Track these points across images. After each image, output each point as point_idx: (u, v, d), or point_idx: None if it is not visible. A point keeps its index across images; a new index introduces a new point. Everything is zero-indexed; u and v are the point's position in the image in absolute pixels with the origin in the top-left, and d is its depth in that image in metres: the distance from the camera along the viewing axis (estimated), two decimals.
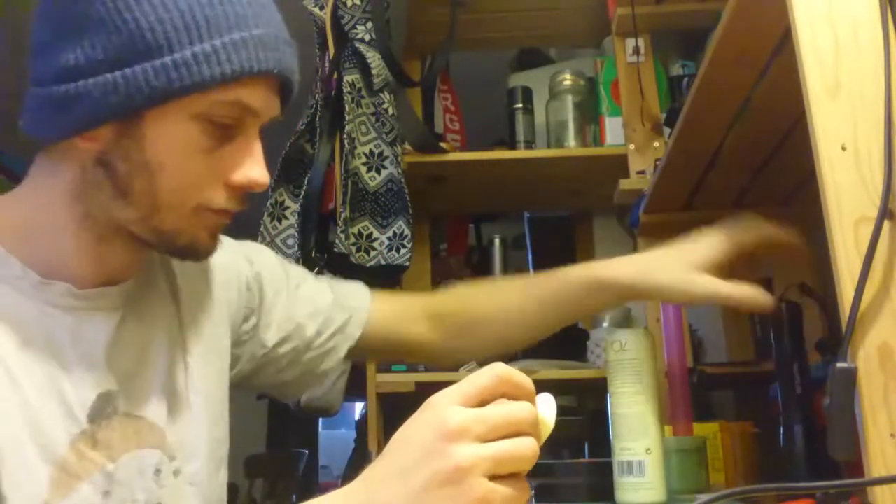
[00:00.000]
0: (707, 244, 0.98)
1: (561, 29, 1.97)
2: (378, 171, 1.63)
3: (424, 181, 1.81)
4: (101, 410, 0.74)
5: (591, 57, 1.98)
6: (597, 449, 1.92)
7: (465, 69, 2.10)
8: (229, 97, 0.69)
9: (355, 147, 1.60)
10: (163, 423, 0.79)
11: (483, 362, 1.48)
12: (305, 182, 1.58)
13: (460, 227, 2.19)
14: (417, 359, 1.12)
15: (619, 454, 0.90)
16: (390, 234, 1.63)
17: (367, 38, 1.65)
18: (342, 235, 1.54)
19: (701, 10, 1.64)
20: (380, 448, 1.61)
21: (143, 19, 0.66)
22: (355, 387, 1.65)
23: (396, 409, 1.83)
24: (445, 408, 0.57)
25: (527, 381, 0.59)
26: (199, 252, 0.76)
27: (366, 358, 1.05)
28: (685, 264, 0.96)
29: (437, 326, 1.02)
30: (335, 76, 1.63)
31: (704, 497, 0.62)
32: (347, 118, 1.59)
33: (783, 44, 0.94)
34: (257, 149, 0.74)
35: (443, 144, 1.77)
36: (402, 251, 1.62)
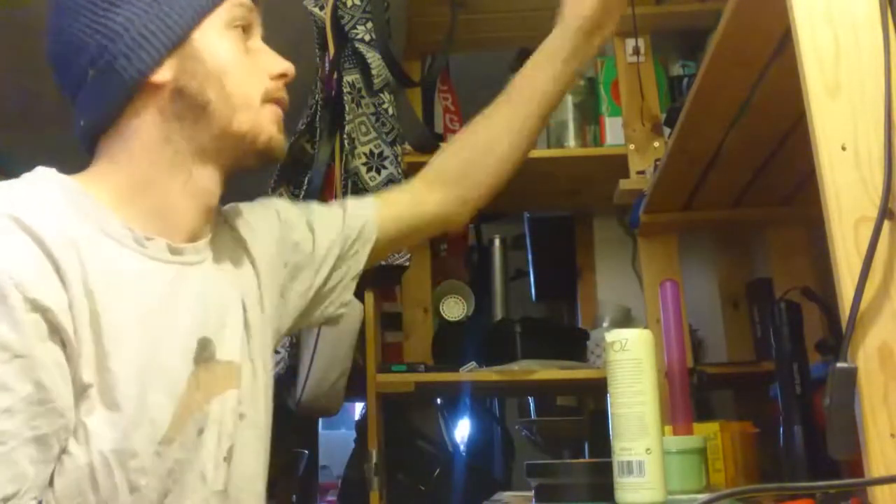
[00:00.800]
0: None
1: None
2: (378, 172, 1.63)
3: None
4: (201, 354, 0.82)
5: None
6: (597, 449, 1.92)
7: (465, 69, 2.10)
8: (240, 1, 0.85)
9: (355, 147, 1.60)
10: (239, 370, 0.87)
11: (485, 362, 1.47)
12: (305, 182, 1.58)
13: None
14: (437, 229, 1.19)
15: (619, 454, 0.90)
16: None
17: (367, 38, 1.65)
18: None
19: (701, 10, 1.65)
20: (379, 448, 1.62)
21: None
22: (355, 387, 1.65)
23: (396, 409, 1.83)
24: None
25: None
26: (275, 146, 0.87)
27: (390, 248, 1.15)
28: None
29: (440, 189, 1.11)
30: (335, 76, 1.63)
31: (704, 497, 0.62)
32: (347, 118, 1.59)
33: (783, 44, 0.94)
34: (270, 49, 0.89)
35: (443, 144, 1.77)
36: (402, 251, 1.62)
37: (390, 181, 1.63)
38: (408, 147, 1.73)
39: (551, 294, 2.20)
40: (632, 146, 1.70)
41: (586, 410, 2.08)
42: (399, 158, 1.66)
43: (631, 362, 0.93)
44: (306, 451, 2.49)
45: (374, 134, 1.63)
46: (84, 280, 0.74)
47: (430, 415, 2.04)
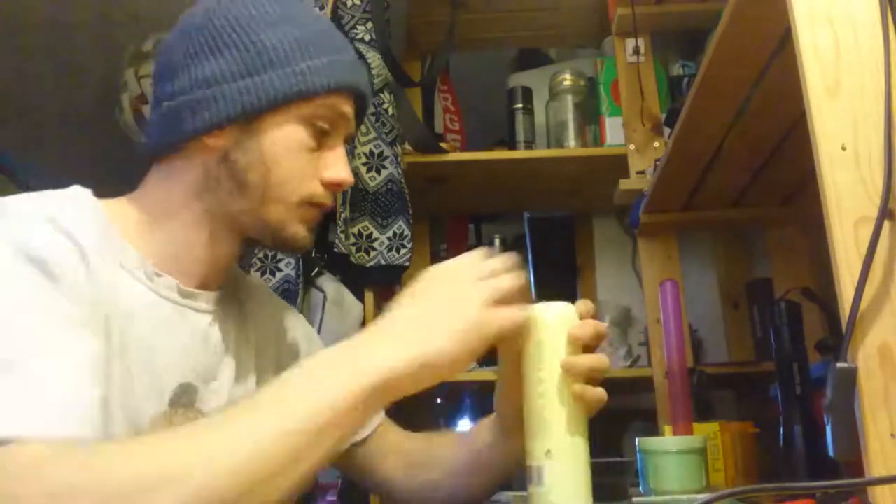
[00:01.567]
0: None
1: (561, 29, 1.97)
2: (378, 171, 1.63)
3: (424, 181, 1.81)
4: (180, 399, 0.82)
5: (591, 57, 1.98)
6: (597, 449, 1.92)
7: (465, 69, 2.10)
8: (329, 104, 0.85)
9: (355, 147, 1.60)
10: None
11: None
12: None
13: (460, 227, 2.19)
14: (377, 491, 1.09)
15: (524, 458, 0.75)
16: (390, 234, 1.63)
17: (367, 38, 1.65)
18: (342, 235, 1.55)
19: (701, 10, 1.64)
20: None
21: (267, 40, 0.82)
22: None
23: (396, 409, 1.83)
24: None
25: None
26: (298, 243, 0.87)
27: (341, 468, 1.07)
28: None
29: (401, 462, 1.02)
30: None
31: (704, 497, 0.62)
32: None
33: (783, 44, 0.94)
34: (343, 153, 0.88)
35: (443, 144, 1.77)
36: (402, 251, 1.62)
37: (390, 181, 1.63)
38: (408, 147, 1.73)
39: (551, 294, 2.19)
40: (632, 146, 1.70)
41: None
42: (399, 158, 1.66)
43: (533, 345, 0.76)
44: None
45: (373, 134, 1.63)
46: (95, 298, 0.74)
47: (429, 415, 2.04)
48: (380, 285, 1.66)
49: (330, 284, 1.56)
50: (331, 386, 0.65)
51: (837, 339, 0.65)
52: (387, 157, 1.63)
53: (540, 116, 1.91)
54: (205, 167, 0.84)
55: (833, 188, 0.66)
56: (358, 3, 1.66)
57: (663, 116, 1.68)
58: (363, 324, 1.59)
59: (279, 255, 1.52)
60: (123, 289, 0.79)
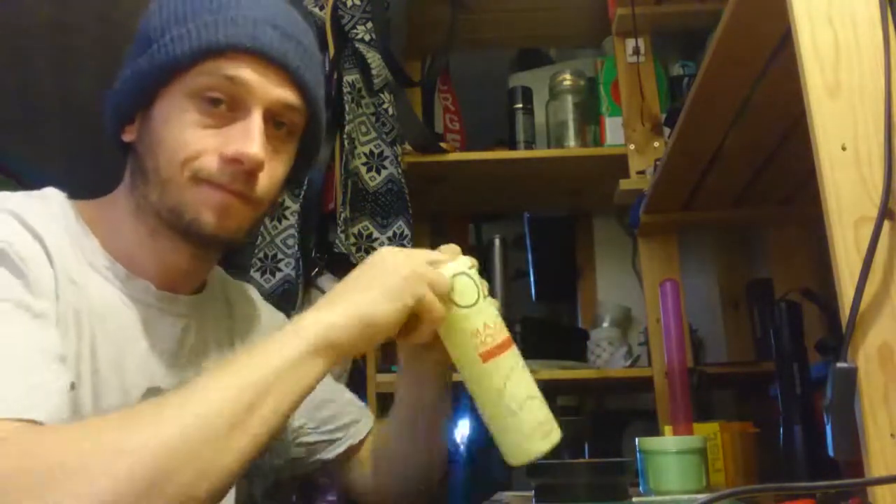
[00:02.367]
0: None
1: (561, 29, 1.97)
2: (378, 171, 1.63)
3: (424, 181, 1.81)
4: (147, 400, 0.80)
5: (591, 57, 1.98)
6: (597, 449, 1.92)
7: (465, 69, 2.09)
8: (208, 70, 0.78)
9: (355, 147, 1.60)
10: None
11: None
12: (305, 182, 1.58)
13: (460, 226, 2.19)
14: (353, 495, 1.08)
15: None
16: (390, 234, 1.62)
17: (367, 38, 1.65)
18: (342, 235, 1.54)
19: (701, 10, 1.64)
20: None
21: (150, 23, 0.80)
22: (355, 387, 1.65)
23: None
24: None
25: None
26: (202, 228, 0.79)
27: (321, 473, 1.07)
28: None
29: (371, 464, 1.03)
30: (335, 76, 1.63)
31: (704, 497, 0.62)
32: (347, 118, 1.59)
33: (783, 44, 0.94)
34: (254, 126, 0.78)
35: (443, 144, 1.77)
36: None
37: (390, 181, 1.63)
38: (408, 147, 1.73)
39: (551, 294, 2.20)
40: (632, 146, 1.70)
41: (586, 410, 2.08)
42: (399, 158, 1.66)
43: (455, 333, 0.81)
44: None
45: (374, 134, 1.63)
46: (62, 297, 0.75)
47: None
48: None
49: (330, 284, 1.56)
50: (275, 347, 0.68)
51: (837, 340, 0.65)
52: (387, 157, 1.63)
53: (540, 116, 1.91)
54: (131, 162, 0.84)
55: (833, 188, 0.66)
56: (358, 3, 1.66)
57: (663, 116, 1.68)
58: None
59: (279, 255, 1.52)
60: (94, 289, 0.79)
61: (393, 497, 1.01)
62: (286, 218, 1.57)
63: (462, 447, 2.18)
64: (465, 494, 1.84)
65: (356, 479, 1.04)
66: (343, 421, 1.03)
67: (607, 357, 1.80)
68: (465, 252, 0.84)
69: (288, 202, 1.57)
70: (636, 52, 1.74)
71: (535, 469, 0.98)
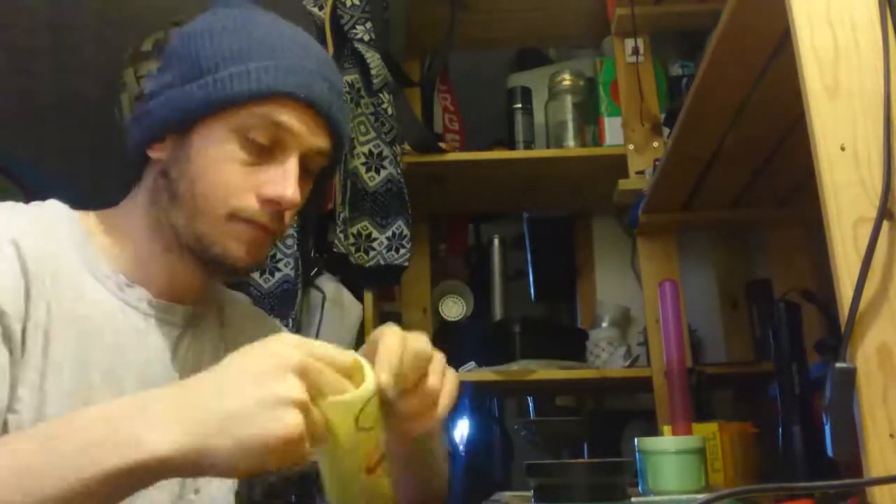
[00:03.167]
0: None
1: (561, 29, 1.97)
2: (377, 171, 1.63)
3: (424, 181, 1.81)
4: None
5: (590, 57, 1.98)
6: (596, 449, 1.92)
7: (465, 69, 2.10)
8: (259, 112, 0.80)
9: (354, 147, 1.60)
10: None
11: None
12: None
13: (460, 227, 2.19)
14: None
15: None
16: (389, 233, 1.62)
17: (366, 38, 1.65)
18: (341, 235, 1.55)
19: (701, 10, 1.65)
20: None
21: (202, 51, 0.81)
22: None
23: None
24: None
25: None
26: (228, 261, 0.83)
27: None
28: None
29: None
30: None
31: (704, 497, 0.62)
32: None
33: (783, 44, 0.94)
34: (291, 170, 0.82)
35: (442, 144, 1.77)
36: (402, 251, 1.62)
37: (389, 181, 1.63)
38: (407, 147, 1.73)
39: (550, 294, 2.20)
40: (631, 146, 1.70)
41: (586, 410, 2.08)
42: (398, 158, 1.66)
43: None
44: None
45: (373, 134, 1.63)
46: (49, 304, 0.76)
47: None
48: (379, 285, 1.66)
49: (329, 284, 1.56)
50: (92, 454, 0.58)
51: (836, 340, 0.65)
52: (386, 157, 1.63)
53: (539, 116, 1.91)
54: (152, 180, 0.85)
55: (832, 188, 0.66)
56: (357, 2, 1.66)
57: (662, 116, 1.68)
58: (362, 324, 1.60)
59: (278, 255, 1.52)
60: (91, 297, 0.80)
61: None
62: None
63: (461, 447, 2.18)
64: (465, 495, 1.84)
65: None
66: None
67: (606, 357, 1.80)
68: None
69: None
70: (635, 52, 1.74)
71: (534, 469, 0.98)
